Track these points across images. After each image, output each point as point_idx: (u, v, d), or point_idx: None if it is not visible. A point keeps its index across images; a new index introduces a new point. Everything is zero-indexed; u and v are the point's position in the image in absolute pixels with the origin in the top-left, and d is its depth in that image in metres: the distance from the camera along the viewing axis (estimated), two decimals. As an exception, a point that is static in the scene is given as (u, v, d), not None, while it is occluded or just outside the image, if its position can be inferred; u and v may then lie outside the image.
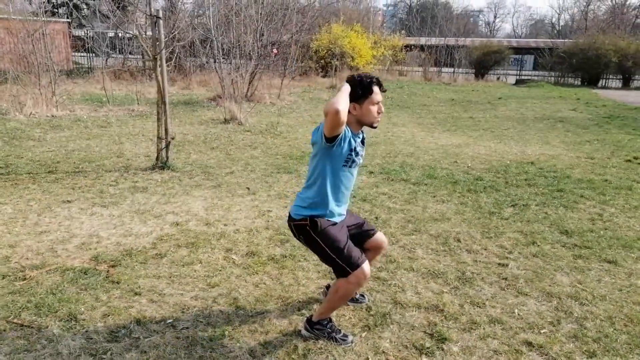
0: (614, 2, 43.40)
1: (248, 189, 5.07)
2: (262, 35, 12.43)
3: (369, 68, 20.91)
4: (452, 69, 25.26)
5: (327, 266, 3.12)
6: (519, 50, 30.66)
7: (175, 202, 4.54)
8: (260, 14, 12.41)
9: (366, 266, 2.30)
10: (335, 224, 2.36)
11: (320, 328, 2.43)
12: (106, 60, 17.38)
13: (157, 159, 5.80)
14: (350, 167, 2.31)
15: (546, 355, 2.39)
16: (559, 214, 4.53)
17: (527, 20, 71.37)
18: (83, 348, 2.31)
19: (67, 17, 22.52)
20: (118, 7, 9.24)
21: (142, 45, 6.11)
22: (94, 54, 18.65)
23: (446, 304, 2.82)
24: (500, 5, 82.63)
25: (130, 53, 18.54)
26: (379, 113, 2.29)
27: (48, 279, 2.96)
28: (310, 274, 3.16)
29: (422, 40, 28.63)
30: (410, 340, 2.47)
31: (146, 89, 12.84)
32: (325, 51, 20.33)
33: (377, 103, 2.27)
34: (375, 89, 2.25)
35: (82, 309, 2.64)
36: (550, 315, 2.74)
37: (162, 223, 4.00)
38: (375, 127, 2.34)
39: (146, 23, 8.66)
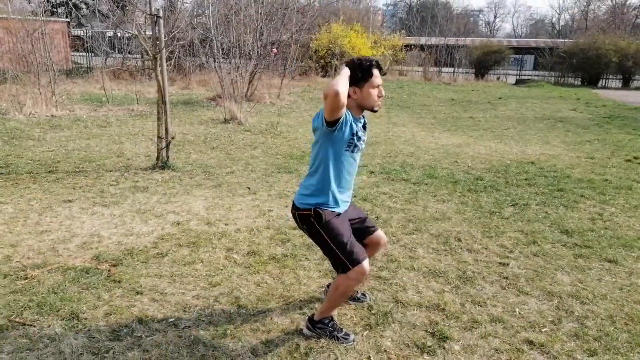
0: (614, 2, 43.45)
1: (249, 188, 5.08)
2: (262, 34, 12.43)
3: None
4: (452, 69, 25.27)
5: (328, 265, 3.15)
6: (519, 50, 30.67)
7: (176, 202, 4.55)
8: (260, 13, 12.41)
9: (366, 263, 2.30)
10: (339, 214, 2.34)
11: (322, 327, 2.43)
12: (105, 60, 17.37)
13: (157, 158, 5.80)
14: (352, 152, 2.28)
15: (547, 354, 2.39)
16: (560, 213, 4.53)
17: (527, 20, 71.44)
18: (85, 347, 2.32)
19: (66, 17, 22.51)
20: (118, 7, 9.24)
21: (142, 45, 6.11)
22: (93, 54, 18.63)
23: (447, 303, 2.82)
24: (500, 5, 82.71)
25: (129, 53, 18.54)
26: (379, 97, 2.27)
27: (49, 278, 2.96)
28: (312, 273, 3.17)
29: (422, 40, 28.62)
30: (412, 339, 2.47)
31: (146, 89, 12.85)
32: (325, 51, 20.34)
33: (378, 86, 2.25)
34: (375, 72, 2.23)
35: (84, 308, 2.64)
36: (551, 314, 2.75)
37: (163, 222, 4.01)
38: (376, 111, 2.31)
39: (145, 23, 8.66)
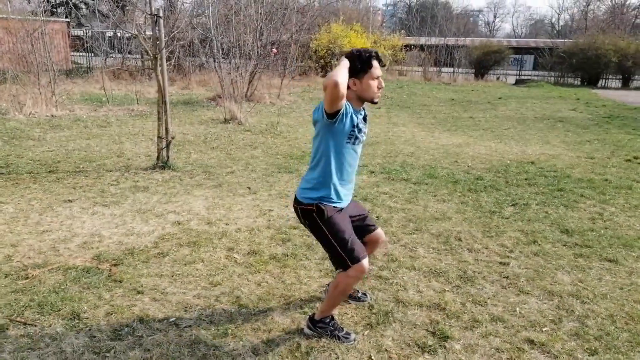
0: (613, 2, 43.47)
1: (249, 188, 5.08)
2: (262, 34, 12.43)
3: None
4: (452, 69, 25.27)
5: (328, 265, 3.15)
6: (518, 50, 30.67)
7: (176, 202, 4.55)
8: (260, 13, 12.41)
9: (366, 261, 2.31)
10: (341, 210, 2.34)
11: (322, 326, 2.44)
12: (105, 60, 17.38)
13: (157, 158, 5.80)
14: (353, 143, 2.27)
15: (548, 353, 2.40)
16: (560, 213, 4.54)
17: (526, 20, 71.46)
18: (86, 346, 2.32)
19: (66, 17, 22.51)
20: (118, 7, 9.25)
21: (142, 45, 6.11)
22: (93, 54, 18.63)
23: (448, 302, 2.82)
24: (500, 5, 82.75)
25: (129, 53, 18.54)
26: (379, 88, 2.26)
27: (50, 278, 2.96)
28: (312, 273, 3.17)
29: (422, 40, 28.61)
30: (413, 338, 2.47)
31: (145, 89, 12.85)
32: (325, 51, 20.34)
33: (377, 78, 2.24)
34: (375, 63, 2.22)
35: (85, 308, 2.64)
36: (552, 314, 2.75)
37: (164, 222, 4.01)
38: (376, 103, 2.30)
39: (145, 23, 8.67)
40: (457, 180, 5.60)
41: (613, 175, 6.02)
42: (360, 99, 2.27)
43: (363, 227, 2.53)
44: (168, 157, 5.80)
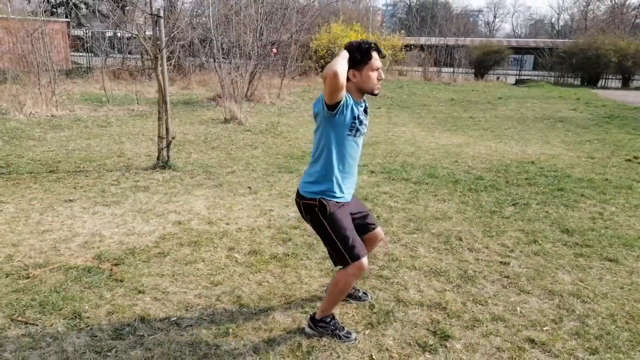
0: (613, 2, 43.48)
1: (249, 188, 5.08)
2: (262, 34, 12.43)
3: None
4: (452, 69, 25.27)
5: (329, 265, 3.15)
6: (518, 50, 30.67)
7: (177, 201, 4.55)
8: (260, 13, 12.41)
9: (365, 259, 2.32)
10: (342, 205, 2.33)
11: (323, 325, 2.44)
12: (105, 60, 17.38)
13: (158, 158, 5.80)
14: (355, 135, 2.26)
15: (549, 352, 2.40)
16: (560, 212, 4.54)
17: (526, 20, 71.45)
18: (88, 346, 2.32)
19: (66, 17, 22.51)
20: (118, 7, 9.25)
21: (142, 45, 6.12)
22: (93, 54, 18.63)
23: (449, 301, 2.83)
24: (499, 5, 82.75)
25: (129, 53, 18.54)
26: (379, 80, 2.25)
27: (51, 278, 2.96)
28: (313, 272, 3.17)
29: (422, 40, 28.61)
30: (414, 337, 2.48)
31: (145, 89, 12.86)
32: (325, 51, 20.33)
33: (377, 69, 2.23)
34: (374, 54, 2.21)
35: (86, 307, 2.65)
36: (552, 313, 2.75)
37: (165, 222, 4.01)
38: (376, 94, 2.30)
39: (145, 23, 8.67)
40: (458, 180, 5.60)
41: (613, 175, 6.02)
42: (361, 90, 2.27)
43: (364, 226, 2.54)
44: (168, 157, 5.80)
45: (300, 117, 10.61)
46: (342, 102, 2.12)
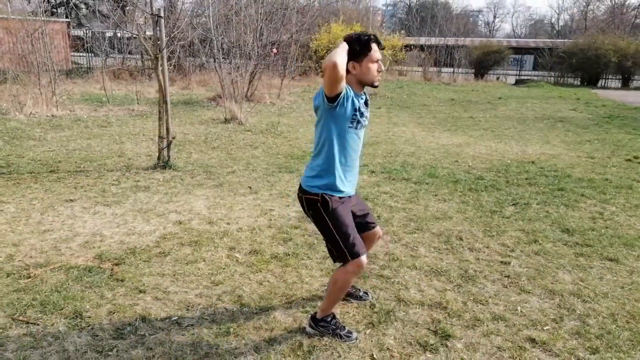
0: (613, 2, 43.49)
1: (250, 188, 5.08)
2: (262, 35, 12.43)
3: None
4: (452, 69, 25.28)
5: (330, 264, 3.15)
6: (518, 50, 30.69)
7: (177, 201, 4.55)
8: (260, 13, 12.41)
9: (365, 257, 2.32)
10: (344, 202, 2.33)
11: (324, 325, 2.44)
12: (105, 60, 17.38)
13: (158, 158, 5.81)
14: (356, 128, 2.25)
15: (549, 351, 2.40)
16: (560, 212, 4.54)
17: (526, 20, 71.50)
18: (89, 345, 2.32)
19: (66, 17, 22.51)
20: (118, 7, 9.26)
21: (142, 45, 6.12)
22: (93, 54, 18.64)
23: (449, 301, 2.83)
24: (499, 5, 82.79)
25: (129, 53, 18.53)
26: (379, 71, 2.25)
27: (52, 277, 2.97)
28: (314, 272, 3.17)
29: (422, 40, 28.62)
30: (414, 337, 2.48)
31: (145, 89, 12.86)
32: (325, 51, 20.27)
33: (377, 61, 2.23)
34: (374, 46, 2.21)
35: (87, 307, 2.65)
36: (553, 313, 2.76)
37: (165, 222, 4.01)
38: (376, 86, 2.30)
39: (145, 23, 8.67)
40: (458, 179, 5.61)
41: (613, 174, 6.03)
42: (361, 82, 2.26)
43: (363, 224, 2.54)
44: (169, 156, 5.80)
45: (300, 117, 10.61)
46: (342, 94, 2.12)
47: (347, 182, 2.33)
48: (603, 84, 24.74)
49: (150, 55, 5.73)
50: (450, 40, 27.74)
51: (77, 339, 2.36)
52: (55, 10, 25.17)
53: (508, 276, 3.20)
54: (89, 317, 2.56)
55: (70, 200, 4.48)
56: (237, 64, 11.29)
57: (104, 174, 5.41)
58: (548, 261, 3.46)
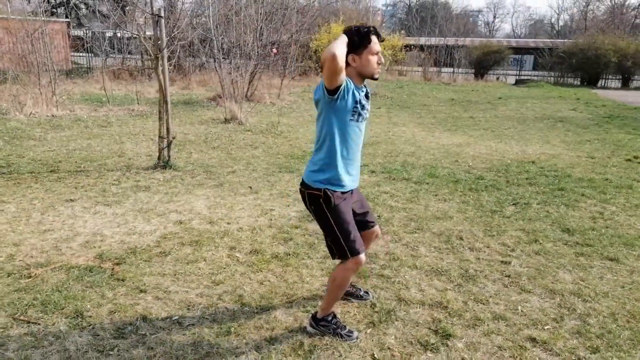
0: (613, 2, 43.50)
1: (250, 188, 5.09)
2: (262, 35, 12.43)
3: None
4: (452, 69, 25.28)
5: (330, 264, 3.16)
6: (518, 50, 30.69)
7: (178, 201, 4.55)
8: (260, 13, 12.42)
9: (364, 255, 2.33)
10: (346, 198, 2.33)
11: (325, 324, 2.44)
12: (105, 60, 17.38)
13: (158, 158, 5.81)
14: (357, 121, 2.25)
15: (550, 351, 2.40)
16: (560, 212, 4.54)
17: (526, 20, 71.47)
18: (90, 344, 2.32)
19: (66, 17, 22.51)
20: (118, 7, 9.26)
21: (143, 45, 6.12)
22: (93, 54, 18.64)
23: (450, 300, 2.83)
24: (499, 6, 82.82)
25: (129, 53, 18.53)
26: (378, 64, 2.24)
27: (53, 277, 2.97)
28: (314, 272, 3.18)
29: (422, 40, 28.61)
30: (415, 336, 2.48)
31: (145, 89, 12.86)
32: (325, 51, 20.33)
33: (376, 53, 2.22)
34: (373, 38, 2.20)
35: (88, 306, 2.65)
36: (554, 312, 2.76)
37: (166, 221, 4.02)
38: (376, 79, 2.29)
39: (145, 23, 8.67)
40: (458, 179, 5.61)
41: (613, 174, 6.03)
42: (361, 75, 2.26)
43: (363, 223, 2.54)
44: (169, 156, 5.80)
45: (300, 117, 10.62)
46: (342, 87, 2.11)
47: (350, 176, 2.33)
48: (603, 84, 24.75)
49: (150, 55, 5.74)
50: (450, 40, 27.75)
51: (78, 339, 2.36)
52: (55, 10, 25.16)
53: (508, 276, 3.20)
54: (90, 316, 2.56)
55: (71, 200, 4.48)
56: (237, 64, 11.29)
57: (104, 173, 5.41)
58: (548, 261, 3.46)
